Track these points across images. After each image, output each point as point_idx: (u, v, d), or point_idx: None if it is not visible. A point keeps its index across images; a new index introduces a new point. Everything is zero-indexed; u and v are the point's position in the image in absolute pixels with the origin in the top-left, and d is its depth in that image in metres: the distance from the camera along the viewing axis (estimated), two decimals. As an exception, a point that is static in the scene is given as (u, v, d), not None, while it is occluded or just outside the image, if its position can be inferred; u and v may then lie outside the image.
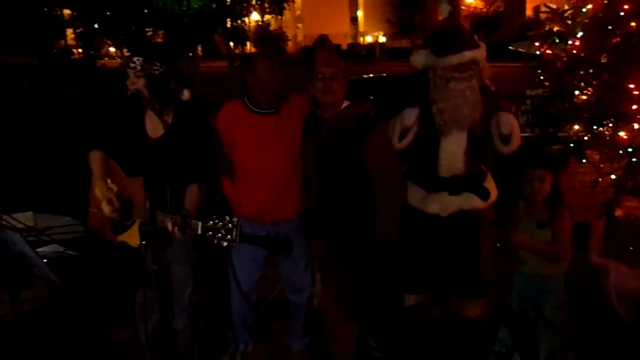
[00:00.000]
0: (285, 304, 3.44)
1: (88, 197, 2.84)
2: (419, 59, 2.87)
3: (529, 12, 28.16)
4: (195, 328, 2.93)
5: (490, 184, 3.01)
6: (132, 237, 2.64)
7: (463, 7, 27.20)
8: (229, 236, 2.32)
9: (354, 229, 2.77)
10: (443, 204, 2.90)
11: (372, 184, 2.70)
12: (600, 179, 3.37)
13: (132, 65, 2.56)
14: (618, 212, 3.22)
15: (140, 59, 2.56)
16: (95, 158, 2.75)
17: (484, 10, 28.13)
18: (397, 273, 3.03)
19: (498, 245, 2.86)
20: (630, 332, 3.34)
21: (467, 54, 2.71)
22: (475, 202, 2.90)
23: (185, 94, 2.72)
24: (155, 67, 2.57)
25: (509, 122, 2.77)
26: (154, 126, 2.70)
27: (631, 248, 3.50)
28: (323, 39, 2.79)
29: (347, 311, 2.98)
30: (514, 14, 27.18)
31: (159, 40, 19.73)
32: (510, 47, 9.46)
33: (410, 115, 2.89)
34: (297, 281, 3.16)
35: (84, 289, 3.43)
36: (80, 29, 20.52)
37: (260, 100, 2.87)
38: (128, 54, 2.63)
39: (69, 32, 23.94)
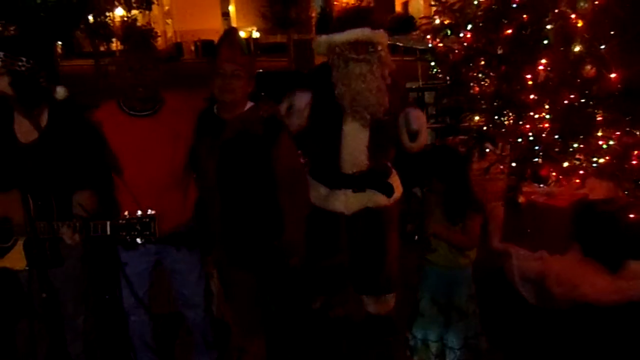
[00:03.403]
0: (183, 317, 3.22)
1: None
2: (321, 41, 2.81)
3: (397, 7, 29.61)
4: (93, 355, 2.79)
5: (394, 181, 3.01)
6: (14, 259, 2.36)
7: (335, 2, 27.86)
8: (147, 232, 2.17)
9: (261, 236, 2.65)
10: (347, 201, 2.87)
11: (280, 190, 2.60)
12: (502, 167, 3.48)
13: None
14: (521, 198, 3.34)
15: (1, 53, 2.26)
16: None
17: (355, 5, 28.94)
18: (305, 276, 2.95)
19: (416, 237, 2.84)
20: (535, 313, 3.50)
21: (364, 31, 2.65)
22: (380, 199, 2.89)
23: (60, 92, 2.49)
24: (20, 63, 2.28)
25: (418, 119, 2.77)
26: (24, 130, 2.40)
27: (529, 232, 3.68)
28: (229, 33, 2.61)
29: (253, 321, 2.85)
30: (383, 9, 28.37)
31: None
32: (388, 42, 9.72)
33: (302, 98, 2.84)
34: (189, 296, 2.96)
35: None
36: None
37: (133, 102, 2.62)
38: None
39: None
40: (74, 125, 2.50)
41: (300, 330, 2.97)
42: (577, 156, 3.16)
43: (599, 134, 2.94)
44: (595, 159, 2.98)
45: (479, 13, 3.42)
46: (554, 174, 3.38)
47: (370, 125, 2.75)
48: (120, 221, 2.20)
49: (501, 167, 3.41)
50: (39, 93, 2.38)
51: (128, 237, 2.20)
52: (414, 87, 7.06)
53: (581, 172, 3.01)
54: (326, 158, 2.86)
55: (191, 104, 2.74)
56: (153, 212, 2.20)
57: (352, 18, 2.71)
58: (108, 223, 2.23)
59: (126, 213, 2.22)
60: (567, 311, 3.37)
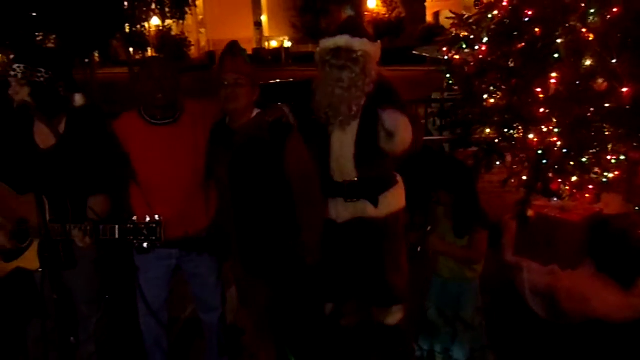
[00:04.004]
0: (200, 322, 3.22)
1: None
2: (315, 53, 2.83)
3: (429, 17, 29.48)
4: (104, 356, 2.82)
5: (396, 193, 2.98)
6: (29, 260, 2.45)
7: (366, 13, 27.93)
8: (152, 237, 2.20)
9: (276, 239, 2.66)
10: (338, 210, 2.88)
11: (294, 192, 2.60)
12: (512, 180, 3.47)
13: (12, 73, 2.35)
14: (530, 212, 3.32)
15: (22, 65, 2.36)
16: None
17: (387, 15, 29.03)
18: (315, 282, 2.97)
19: (419, 249, 2.84)
20: (545, 328, 3.46)
21: (343, 39, 2.66)
22: (370, 210, 2.87)
23: (77, 100, 2.59)
24: (39, 74, 2.37)
25: (392, 119, 2.62)
26: (44, 136, 2.50)
27: (542, 246, 3.65)
28: (232, 45, 2.63)
29: (265, 329, 2.87)
30: (414, 19, 28.34)
31: (51, 45, 18.51)
32: (415, 52, 9.74)
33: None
34: (207, 300, 3.00)
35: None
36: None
37: (153, 110, 2.68)
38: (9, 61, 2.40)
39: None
40: (90, 132, 2.58)
41: (311, 337, 2.99)
42: (592, 170, 3.12)
43: (609, 148, 2.90)
44: (605, 174, 2.94)
45: (492, 26, 3.43)
46: (567, 188, 3.36)
47: (356, 134, 2.76)
48: (129, 225, 2.25)
49: (512, 180, 3.40)
50: (57, 102, 2.47)
51: (135, 241, 2.24)
52: (438, 97, 7.03)
53: (590, 186, 2.97)
54: (318, 166, 2.88)
55: (209, 110, 2.78)
56: (159, 217, 2.24)
57: (337, 28, 2.74)
58: (117, 227, 2.29)
59: (135, 218, 2.27)
60: (577, 326, 3.32)
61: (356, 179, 2.81)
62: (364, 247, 2.90)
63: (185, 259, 2.86)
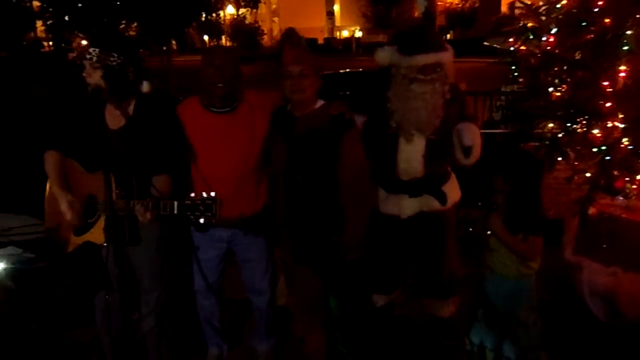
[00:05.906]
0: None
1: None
2: (384, 55, 2.82)
3: (504, 8, 28.50)
4: (164, 330, 2.88)
5: (453, 185, 2.99)
6: (97, 234, 2.58)
7: (439, 3, 27.34)
8: (208, 213, 2.29)
9: (323, 231, 2.70)
10: (402, 206, 2.89)
11: (342, 187, 2.63)
12: (575, 177, 3.35)
13: (88, 56, 2.50)
14: (591, 210, 3.19)
15: (97, 49, 2.51)
16: (51, 160, 2.68)
17: (460, 5, 28.40)
18: (365, 274, 3.00)
19: (470, 230, 2.81)
20: (603, 330, 3.34)
21: (433, 56, 2.68)
22: (435, 204, 2.88)
23: (144, 86, 2.68)
24: (112, 59, 2.51)
25: (471, 134, 2.70)
26: (114, 118, 2.64)
27: (604, 246, 3.51)
28: (290, 34, 2.67)
29: (314, 315, 2.92)
30: (489, 10, 27.50)
31: (132, 33, 19.34)
32: (486, 43, 9.47)
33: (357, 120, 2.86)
34: (256, 283, 3.07)
35: (45, 292, 3.33)
36: (50, 21, 20.01)
37: (213, 99, 2.76)
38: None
39: (39, 24, 23.38)
40: (157, 115, 2.70)
41: (360, 327, 3.03)
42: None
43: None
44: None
45: (560, 17, 3.31)
46: (634, 187, 3.21)
47: (428, 137, 2.78)
48: (186, 202, 2.34)
49: (574, 177, 3.28)
50: (127, 85, 2.61)
51: (192, 217, 2.33)
52: (508, 90, 6.84)
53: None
54: (383, 166, 2.91)
55: (268, 101, 2.85)
56: (215, 194, 2.31)
57: (419, 42, 2.72)
58: (175, 203, 2.38)
59: (192, 194, 2.36)
60: (636, 331, 3.19)
61: (421, 177, 2.83)
62: (428, 240, 2.93)
63: (236, 243, 2.95)
